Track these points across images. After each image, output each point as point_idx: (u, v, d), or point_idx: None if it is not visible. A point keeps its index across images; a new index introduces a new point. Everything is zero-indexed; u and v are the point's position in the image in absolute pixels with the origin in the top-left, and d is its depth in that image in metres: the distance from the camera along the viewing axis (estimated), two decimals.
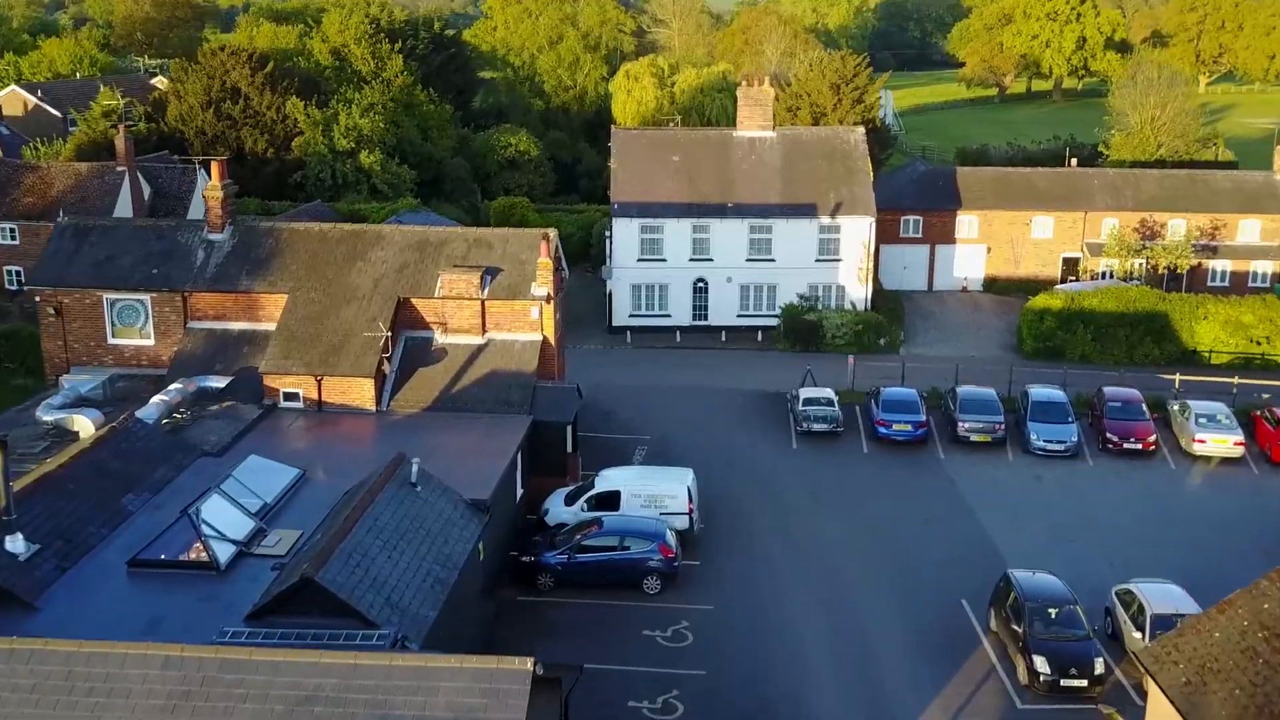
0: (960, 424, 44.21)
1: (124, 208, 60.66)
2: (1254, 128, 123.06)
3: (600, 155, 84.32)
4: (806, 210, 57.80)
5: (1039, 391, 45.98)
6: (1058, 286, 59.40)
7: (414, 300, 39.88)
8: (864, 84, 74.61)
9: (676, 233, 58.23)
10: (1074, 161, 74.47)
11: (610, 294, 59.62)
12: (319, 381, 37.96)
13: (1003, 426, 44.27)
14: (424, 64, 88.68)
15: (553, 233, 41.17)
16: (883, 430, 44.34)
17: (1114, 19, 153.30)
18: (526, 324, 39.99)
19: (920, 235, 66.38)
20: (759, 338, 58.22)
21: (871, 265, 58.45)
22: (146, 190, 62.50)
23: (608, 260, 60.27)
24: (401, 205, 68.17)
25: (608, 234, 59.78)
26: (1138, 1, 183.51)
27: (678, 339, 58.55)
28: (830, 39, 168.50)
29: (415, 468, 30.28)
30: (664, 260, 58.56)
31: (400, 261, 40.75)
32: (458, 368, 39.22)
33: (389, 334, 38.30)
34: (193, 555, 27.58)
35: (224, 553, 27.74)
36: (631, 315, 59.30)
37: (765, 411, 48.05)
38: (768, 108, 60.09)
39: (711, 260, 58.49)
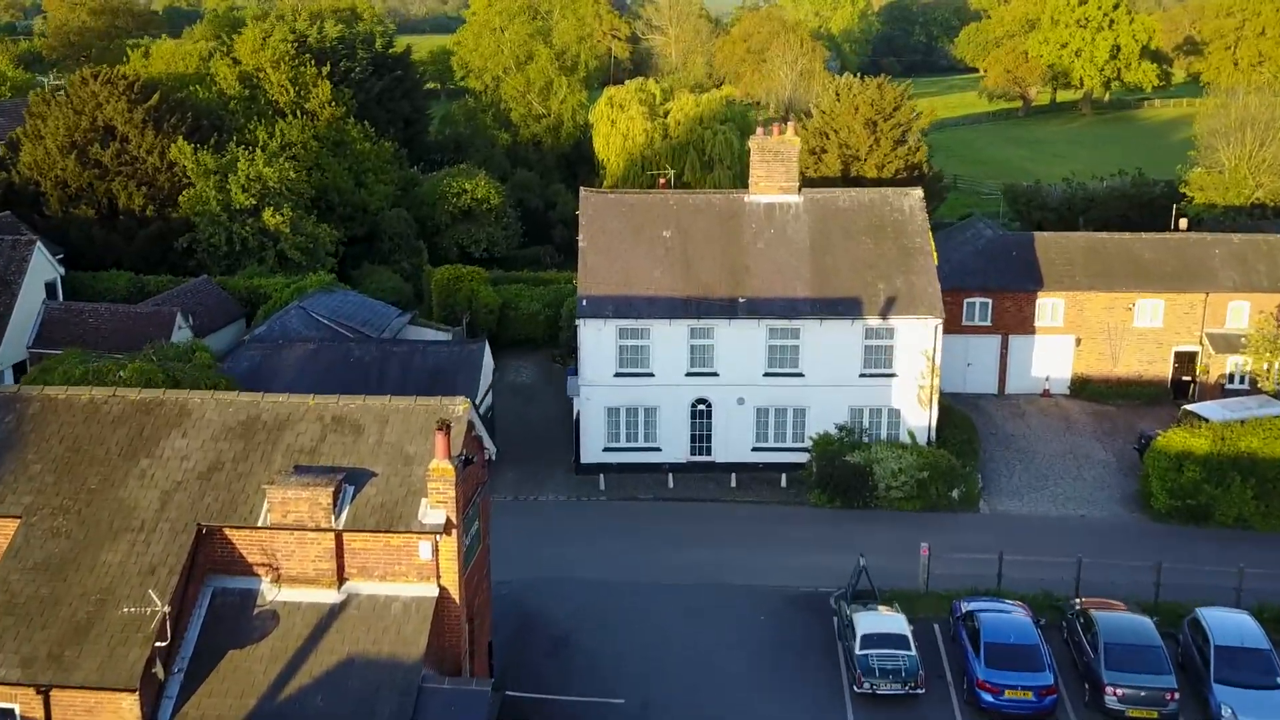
0: (1109, 689, 28.14)
1: None
2: None
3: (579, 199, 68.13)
4: (847, 307, 41.78)
5: (1221, 623, 29.91)
6: (1192, 408, 43.28)
7: (227, 530, 24.01)
8: (907, 119, 58.37)
9: (668, 338, 42.21)
10: (1183, 223, 58.27)
11: (578, 418, 43.62)
12: (45, 695, 22.04)
13: (1176, 696, 28.19)
14: (361, 90, 72.58)
15: (462, 407, 25.22)
16: (988, 699, 28.28)
17: (1150, 26, 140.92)
18: (411, 569, 24.05)
19: (989, 323, 50.36)
20: (783, 483, 42.22)
21: (937, 381, 42.47)
22: None
23: (577, 363, 44.25)
24: (310, 282, 52.04)
25: (580, 322, 43.76)
26: (1150, 4, 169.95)
27: (670, 484, 42.57)
28: (834, 43, 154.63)
29: None
30: (651, 375, 42.55)
31: (211, 458, 24.84)
32: (293, 651, 23.25)
33: (167, 609, 22.35)
34: None
35: None
36: (606, 449, 43.24)
37: (801, 636, 32.15)
38: (791, 164, 43.83)
39: (716, 375, 42.47)
